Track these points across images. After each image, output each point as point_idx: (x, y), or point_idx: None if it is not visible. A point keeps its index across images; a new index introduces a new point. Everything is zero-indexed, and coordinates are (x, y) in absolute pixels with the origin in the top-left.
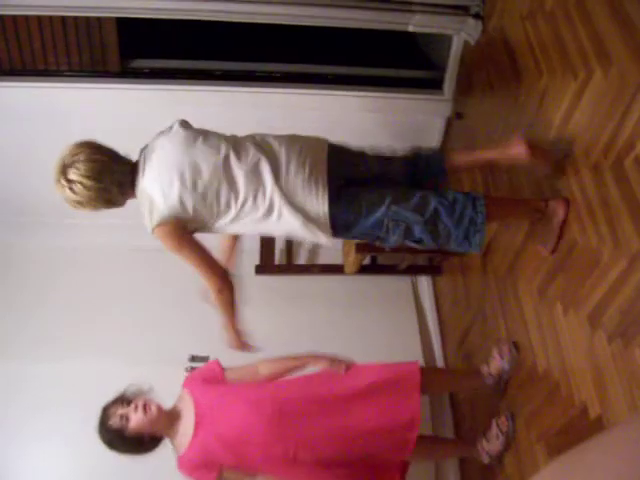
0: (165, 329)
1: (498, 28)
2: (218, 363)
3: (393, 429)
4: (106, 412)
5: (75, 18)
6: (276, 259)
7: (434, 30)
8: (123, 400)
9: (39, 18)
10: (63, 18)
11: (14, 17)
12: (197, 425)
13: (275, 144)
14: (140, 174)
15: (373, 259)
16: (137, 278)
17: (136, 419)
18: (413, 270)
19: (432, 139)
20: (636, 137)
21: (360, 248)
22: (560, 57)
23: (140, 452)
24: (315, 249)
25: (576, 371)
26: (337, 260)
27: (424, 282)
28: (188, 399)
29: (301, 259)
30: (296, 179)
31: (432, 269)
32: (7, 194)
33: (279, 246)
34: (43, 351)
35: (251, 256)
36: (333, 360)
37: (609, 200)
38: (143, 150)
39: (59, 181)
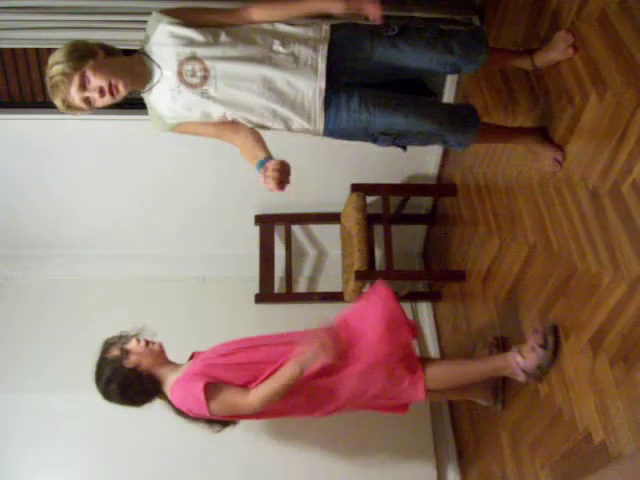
0: None
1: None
2: None
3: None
4: (107, 344)
5: None
6: (276, 288)
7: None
8: (126, 337)
9: (37, 51)
10: None
11: (13, 50)
12: (196, 356)
13: None
14: None
15: None
16: (135, 310)
17: (136, 349)
18: (413, 297)
19: (429, 165)
20: (633, 161)
21: (360, 275)
22: (555, 82)
23: (138, 396)
24: (315, 277)
25: (579, 396)
26: (337, 288)
27: (424, 308)
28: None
29: (301, 287)
30: None
31: (432, 295)
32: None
33: (278, 274)
34: (40, 382)
35: (250, 285)
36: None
37: (608, 225)
38: None
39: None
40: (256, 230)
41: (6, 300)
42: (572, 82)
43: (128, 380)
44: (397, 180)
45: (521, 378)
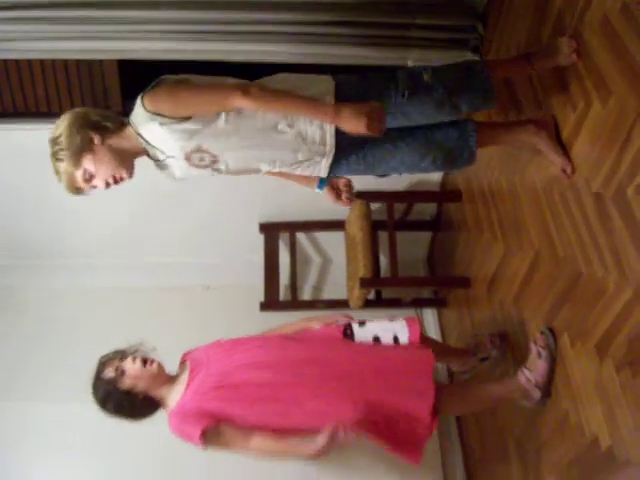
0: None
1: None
2: None
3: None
4: (102, 364)
5: (77, 61)
6: (281, 295)
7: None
8: (122, 355)
9: (42, 62)
10: (65, 61)
11: (17, 61)
12: (192, 373)
13: None
14: None
15: (378, 293)
16: (139, 318)
17: (132, 370)
18: (418, 303)
19: (432, 180)
20: (637, 165)
21: (365, 283)
22: (558, 88)
23: (132, 414)
24: (320, 284)
25: (585, 401)
26: (342, 295)
27: (430, 315)
28: (187, 364)
29: (306, 295)
30: None
31: (437, 302)
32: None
33: (283, 282)
34: (45, 391)
35: (255, 293)
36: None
37: (613, 229)
38: None
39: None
40: (261, 238)
41: (10, 310)
42: (575, 88)
43: (122, 402)
44: (401, 187)
45: (536, 395)
